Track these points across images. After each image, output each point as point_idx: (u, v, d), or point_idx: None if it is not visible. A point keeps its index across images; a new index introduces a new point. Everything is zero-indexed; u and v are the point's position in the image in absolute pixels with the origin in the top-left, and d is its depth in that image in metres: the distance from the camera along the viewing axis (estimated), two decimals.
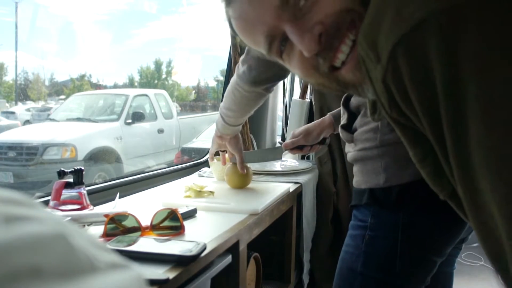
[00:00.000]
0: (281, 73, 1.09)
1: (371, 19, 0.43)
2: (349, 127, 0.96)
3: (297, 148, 1.25)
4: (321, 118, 1.28)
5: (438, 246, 0.89)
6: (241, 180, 1.28)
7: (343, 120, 0.98)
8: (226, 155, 1.33)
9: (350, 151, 0.97)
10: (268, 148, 1.46)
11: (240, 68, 1.10)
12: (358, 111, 0.95)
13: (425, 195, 0.84)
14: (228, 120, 1.20)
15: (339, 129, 0.99)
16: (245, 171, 1.27)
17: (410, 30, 0.38)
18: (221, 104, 1.21)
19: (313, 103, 1.82)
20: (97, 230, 0.85)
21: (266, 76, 1.06)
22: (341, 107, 1.00)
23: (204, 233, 0.86)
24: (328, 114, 1.27)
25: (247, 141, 1.76)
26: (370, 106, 0.56)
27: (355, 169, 0.96)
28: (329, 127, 1.25)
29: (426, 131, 0.42)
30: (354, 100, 0.95)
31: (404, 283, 0.89)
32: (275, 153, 1.37)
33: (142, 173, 1.45)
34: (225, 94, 1.18)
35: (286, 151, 1.87)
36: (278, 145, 2.06)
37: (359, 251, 0.90)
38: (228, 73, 1.83)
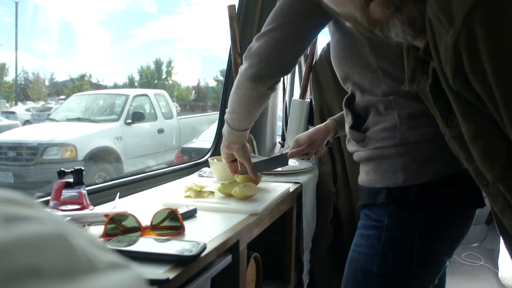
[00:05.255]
0: (283, 68, 1.04)
1: None
2: (356, 127, 0.95)
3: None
4: (324, 124, 1.28)
5: (450, 245, 0.90)
6: (251, 189, 1.20)
7: (350, 121, 0.96)
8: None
9: (359, 150, 0.95)
10: (273, 157, 1.45)
11: (242, 66, 1.06)
12: (365, 112, 0.94)
13: (442, 195, 0.85)
14: (233, 124, 1.15)
15: (348, 130, 0.97)
16: (258, 177, 1.25)
17: None
18: (226, 110, 1.16)
19: (313, 103, 1.82)
20: (97, 230, 0.85)
21: (267, 71, 1.01)
22: (344, 108, 0.99)
23: (204, 233, 0.86)
24: (330, 119, 1.27)
25: (247, 141, 1.76)
26: (409, 73, 0.54)
27: (367, 167, 0.94)
28: (332, 131, 1.26)
29: (498, 103, 0.39)
30: (362, 102, 0.94)
31: (418, 283, 0.88)
32: (281, 161, 1.34)
33: (142, 173, 1.45)
34: (229, 99, 1.14)
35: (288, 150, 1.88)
36: (278, 145, 2.06)
37: (375, 252, 0.88)
38: (228, 73, 1.83)
